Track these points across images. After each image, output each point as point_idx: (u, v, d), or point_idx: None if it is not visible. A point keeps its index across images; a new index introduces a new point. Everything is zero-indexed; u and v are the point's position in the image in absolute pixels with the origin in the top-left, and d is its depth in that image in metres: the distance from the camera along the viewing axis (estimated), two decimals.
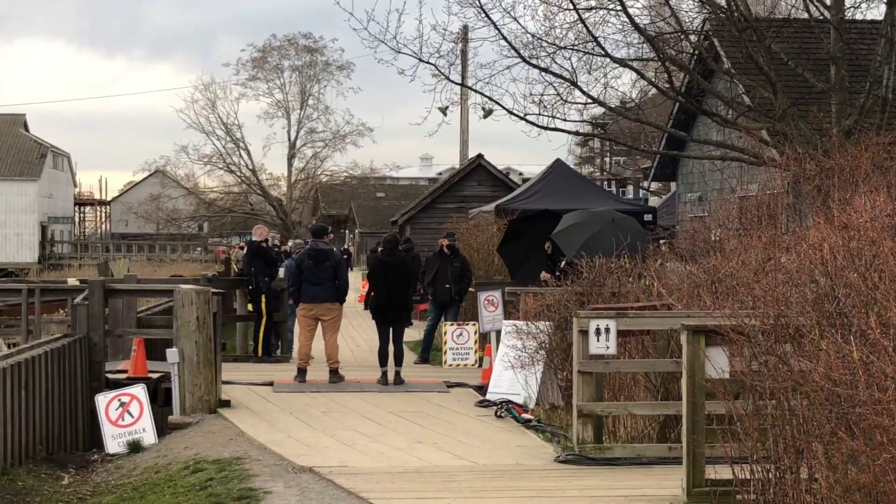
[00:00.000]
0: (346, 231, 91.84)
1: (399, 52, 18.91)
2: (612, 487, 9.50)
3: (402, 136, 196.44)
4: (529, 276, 19.96)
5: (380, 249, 16.84)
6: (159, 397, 15.21)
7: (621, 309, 11.40)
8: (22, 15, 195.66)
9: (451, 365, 19.07)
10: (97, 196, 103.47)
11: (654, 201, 45.10)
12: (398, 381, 16.29)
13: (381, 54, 20.68)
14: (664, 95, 21.80)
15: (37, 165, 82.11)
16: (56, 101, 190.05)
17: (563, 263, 18.35)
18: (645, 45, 19.53)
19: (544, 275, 18.47)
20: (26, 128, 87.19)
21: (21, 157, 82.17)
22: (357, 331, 26.10)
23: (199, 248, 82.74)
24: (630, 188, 61.80)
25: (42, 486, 11.73)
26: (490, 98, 19.37)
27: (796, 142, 16.93)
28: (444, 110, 19.90)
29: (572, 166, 41.92)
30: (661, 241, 17.12)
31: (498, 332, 15.88)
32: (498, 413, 13.48)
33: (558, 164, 25.43)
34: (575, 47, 18.82)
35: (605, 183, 61.11)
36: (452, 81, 19.60)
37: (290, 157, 79.23)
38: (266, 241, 21.09)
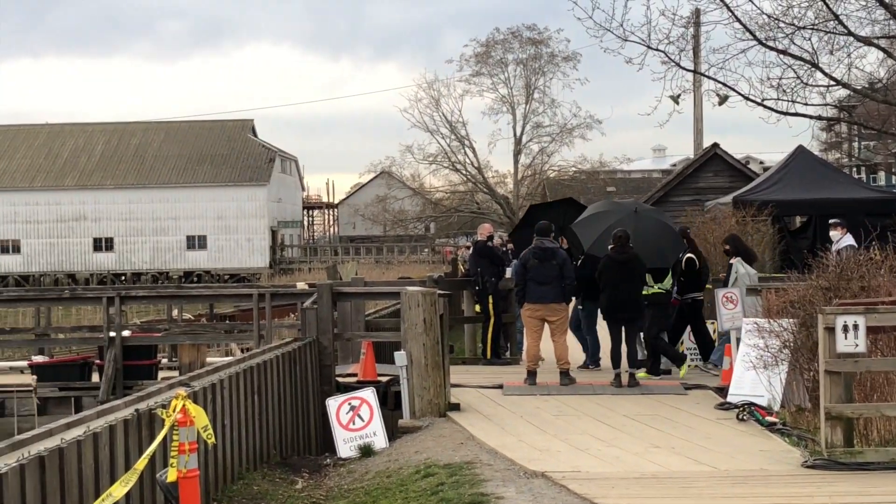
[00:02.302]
0: None
1: (626, 40, 18.47)
2: (865, 493, 9.04)
3: (632, 128, 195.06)
4: None
5: (610, 247, 16.32)
6: (389, 401, 15.21)
7: (871, 304, 10.74)
8: (250, 20, 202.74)
9: (688, 366, 18.39)
10: (324, 199, 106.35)
11: None
12: (633, 383, 15.80)
13: (608, 43, 20.23)
14: None
15: (265, 170, 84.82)
16: (283, 105, 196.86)
17: (580, 262, 17.51)
18: (891, 22, 18.42)
19: None
20: (254, 133, 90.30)
21: (250, 162, 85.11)
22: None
23: (426, 249, 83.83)
24: (881, 174, 58.97)
25: (277, 491, 11.84)
26: (724, 84, 18.70)
27: None
28: (675, 98, 19.23)
29: (817, 153, 40.21)
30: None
31: (738, 331, 15.18)
32: (740, 416, 12.94)
33: (801, 150, 24.27)
34: (815, 27, 17.93)
35: (854, 170, 58.37)
36: (683, 68, 19.02)
37: (516, 154, 78.94)
38: (490, 238, 20.86)
